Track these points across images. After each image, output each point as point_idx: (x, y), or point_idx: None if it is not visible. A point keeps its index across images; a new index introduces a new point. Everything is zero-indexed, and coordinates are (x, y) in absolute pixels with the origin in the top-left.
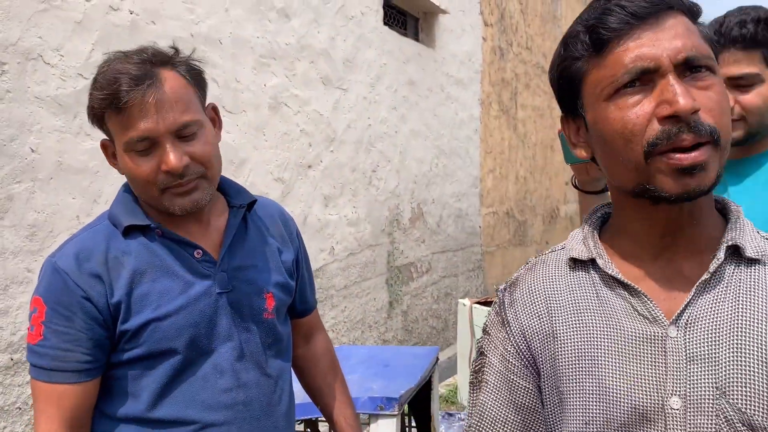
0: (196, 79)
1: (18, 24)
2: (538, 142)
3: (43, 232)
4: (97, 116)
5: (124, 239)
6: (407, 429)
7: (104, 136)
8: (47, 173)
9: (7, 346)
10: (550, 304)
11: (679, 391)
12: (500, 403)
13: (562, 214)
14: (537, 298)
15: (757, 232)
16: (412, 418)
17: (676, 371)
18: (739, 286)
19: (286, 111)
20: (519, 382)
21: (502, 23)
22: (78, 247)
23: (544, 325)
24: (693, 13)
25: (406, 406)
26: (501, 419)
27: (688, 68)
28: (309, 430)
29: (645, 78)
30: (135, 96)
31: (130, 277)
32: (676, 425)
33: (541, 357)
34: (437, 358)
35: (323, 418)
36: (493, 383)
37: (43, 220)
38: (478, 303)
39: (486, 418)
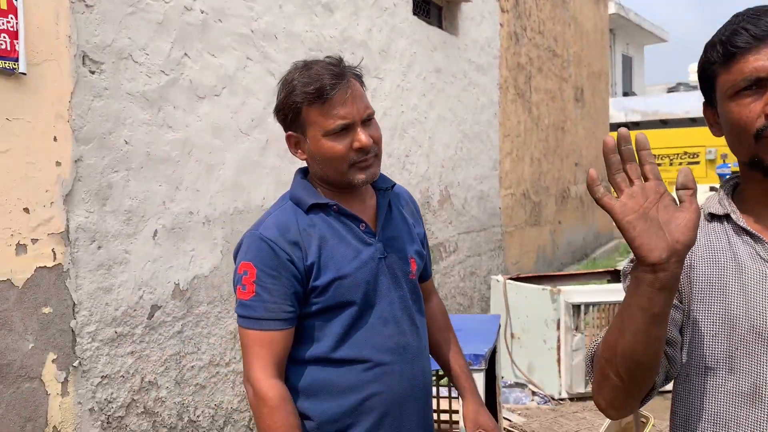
0: (361, 82)
1: (112, 27)
2: (550, 125)
3: (136, 216)
4: (294, 110)
5: (307, 215)
6: None
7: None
8: (138, 163)
9: (111, 320)
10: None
11: None
12: None
13: (572, 195)
14: None
15: None
16: None
17: None
18: None
19: None
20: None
21: (516, 9)
22: (276, 221)
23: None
24: None
25: None
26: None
27: None
28: None
29: (760, 84)
30: (338, 90)
31: (318, 244)
32: None
33: (681, 281)
34: (500, 324)
35: None
36: None
37: (136, 205)
38: (512, 279)
39: None
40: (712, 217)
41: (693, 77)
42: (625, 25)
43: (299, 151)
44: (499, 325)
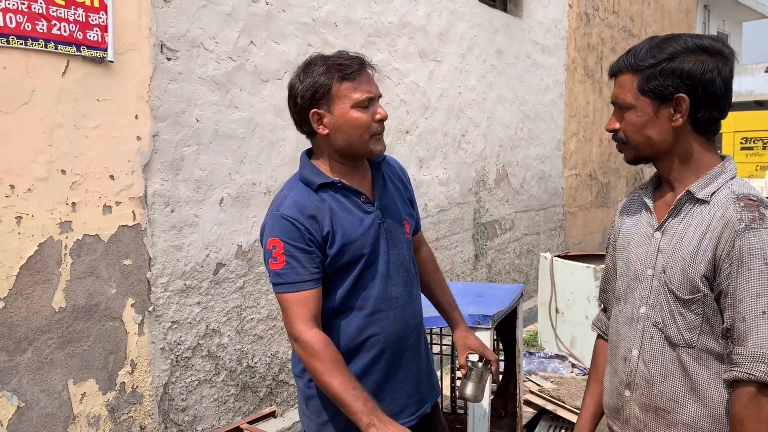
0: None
1: (186, 18)
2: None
3: (205, 185)
4: (324, 87)
5: (317, 193)
6: (496, 352)
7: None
8: (208, 138)
9: (182, 274)
10: (625, 213)
11: (653, 267)
12: (608, 259)
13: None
14: (623, 208)
15: (725, 184)
16: (500, 342)
17: (652, 256)
18: (693, 214)
19: (389, 83)
20: (611, 252)
21: None
22: (294, 201)
23: (619, 222)
24: None
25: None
26: (607, 267)
27: None
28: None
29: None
30: (364, 70)
31: (330, 217)
32: (648, 284)
33: (612, 236)
34: (522, 293)
35: None
36: (609, 251)
37: (205, 176)
38: (558, 257)
39: (606, 269)
40: (642, 195)
41: None
42: (721, 0)
43: (321, 126)
44: (521, 293)
